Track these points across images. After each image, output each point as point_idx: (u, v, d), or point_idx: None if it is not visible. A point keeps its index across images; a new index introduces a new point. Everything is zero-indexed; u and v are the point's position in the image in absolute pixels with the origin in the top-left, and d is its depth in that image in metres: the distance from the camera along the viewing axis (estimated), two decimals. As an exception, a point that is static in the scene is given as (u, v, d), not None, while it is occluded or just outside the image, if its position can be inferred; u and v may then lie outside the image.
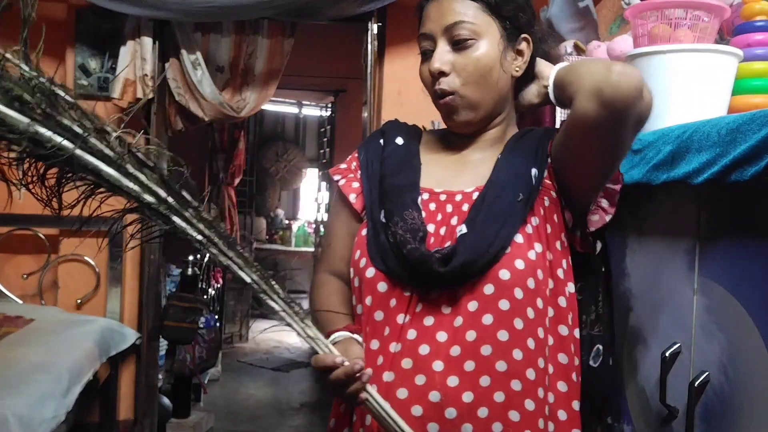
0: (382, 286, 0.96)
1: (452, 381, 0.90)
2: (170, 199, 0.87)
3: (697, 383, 0.96)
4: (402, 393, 0.91)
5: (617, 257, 1.23)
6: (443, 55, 0.98)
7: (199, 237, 0.88)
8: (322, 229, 5.01)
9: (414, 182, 1.00)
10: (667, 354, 1.03)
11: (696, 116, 1.08)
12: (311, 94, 5.22)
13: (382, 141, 1.07)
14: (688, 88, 1.19)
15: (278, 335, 5.40)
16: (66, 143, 0.80)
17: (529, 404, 0.91)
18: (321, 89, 4.96)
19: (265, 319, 5.89)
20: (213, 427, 3.25)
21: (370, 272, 0.97)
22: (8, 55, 0.79)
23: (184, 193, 0.89)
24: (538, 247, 0.94)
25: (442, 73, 0.98)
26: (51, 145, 0.79)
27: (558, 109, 1.44)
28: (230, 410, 3.52)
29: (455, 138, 1.06)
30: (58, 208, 0.87)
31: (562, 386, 0.96)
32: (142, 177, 0.86)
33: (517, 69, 1.02)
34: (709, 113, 1.14)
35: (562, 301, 0.97)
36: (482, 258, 0.90)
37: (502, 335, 0.91)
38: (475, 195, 0.98)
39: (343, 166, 1.10)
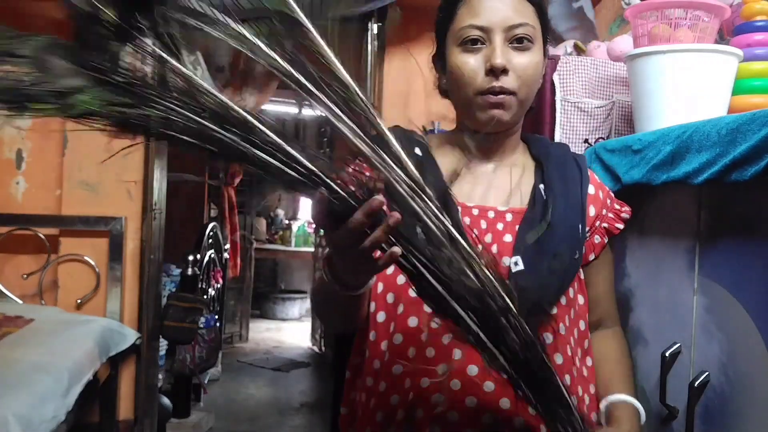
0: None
1: (504, 403, 0.90)
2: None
3: (697, 383, 0.96)
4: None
5: (617, 257, 1.23)
6: (506, 52, 0.95)
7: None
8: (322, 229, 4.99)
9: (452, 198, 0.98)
10: (667, 354, 1.03)
11: (696, 116, 1.08)
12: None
13: None
14: (688, 88, 1.19)
15: (278, 335, 5.40)
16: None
17: None
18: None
19: (265, 319, 5.90)
20: (213, 427, 3.25)
21: (402, 280, 0.95)
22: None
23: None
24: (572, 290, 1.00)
25: (505, 70, 0.94)
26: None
27: (558, 109, 1.44)
28: (230, 410, 3.52)
29: (469, 144, 1.03)
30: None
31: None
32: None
33: (540, 81, 1.02)
34: (709, 113, 1.14)
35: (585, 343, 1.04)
36: (535, 308, 0.92)
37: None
38: (509, 216, 0.98)
39: None
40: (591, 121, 1.45)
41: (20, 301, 2.62)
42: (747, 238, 0.92)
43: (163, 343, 2.98)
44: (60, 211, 2.65)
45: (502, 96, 0.94)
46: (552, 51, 1.77)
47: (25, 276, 2.64)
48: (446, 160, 1.01)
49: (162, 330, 2.77)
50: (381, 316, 0.97)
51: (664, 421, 1.06)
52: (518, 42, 0.95)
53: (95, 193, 2.65)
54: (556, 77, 1.44)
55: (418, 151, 0.99)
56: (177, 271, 3.29)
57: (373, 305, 0.98)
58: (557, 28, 1.93)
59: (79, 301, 2.63)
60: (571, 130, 1.45)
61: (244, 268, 4.88)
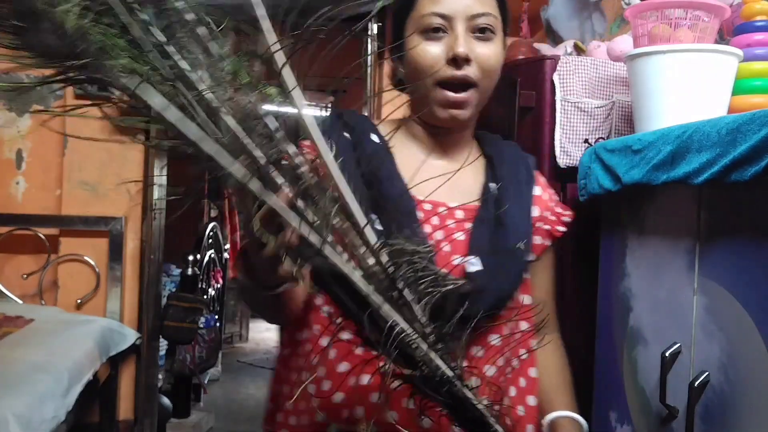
0: None
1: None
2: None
3: (697, 383, 0.96)
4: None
5: (617, 257, 1.23)
6: (468, 41, 0.92)
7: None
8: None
9: (408, 190, 0.92)
10: (667, 354, 1.03)
11: (696, 116, 1.08)
12: (311, 94, 5.21)
13: (348, 135, 0.96)
14: (688, 88, 1.19)
15: (278, 335, 5.40)
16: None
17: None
18: (321, 89, 4.96)
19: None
20: (213, 427, 3.25)
21: None
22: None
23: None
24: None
25: (467, 60, 0.92)
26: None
27: (558, 109, 1.44)
28: (230, 410, 3.52)
29: (423, 135, 1.01)
30: None
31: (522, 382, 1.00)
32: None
33: (499, 74, 0.99)
34: (709, 113, 1.14)
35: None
36: (491, 308, 0.90)
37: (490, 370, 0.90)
38: (460, 213, 0.95)
39: None
40: (591, 121, 1.45)
41: (20, 301, 2.62)
42: (747, 238, 0.92)
43: (163, 343, 2.98)
44: (60, 211, 2.65)
45: (463, 94, 0.92)
46: (552, 51, 1.77)
47: (25, 276, 2.64)
48: (401, 150, 0.97)
49: (162, 330, 2.77)
50: (327, 309, 0.93)
51: (664, 421, 1.06)
52: (480, 32, 0.93)
53: (95, 193, 2.65)
54: (556, 77, 1.44)
55: (375, 138, 0.96)
56: (177, 271, 3.30)
57: (320, 299, 0.94)
58: (558, 28, 1.93)
59: (79, 301, 2.63)
60: (571, 130, 1.45)
61: (244, 268, 4.87)
